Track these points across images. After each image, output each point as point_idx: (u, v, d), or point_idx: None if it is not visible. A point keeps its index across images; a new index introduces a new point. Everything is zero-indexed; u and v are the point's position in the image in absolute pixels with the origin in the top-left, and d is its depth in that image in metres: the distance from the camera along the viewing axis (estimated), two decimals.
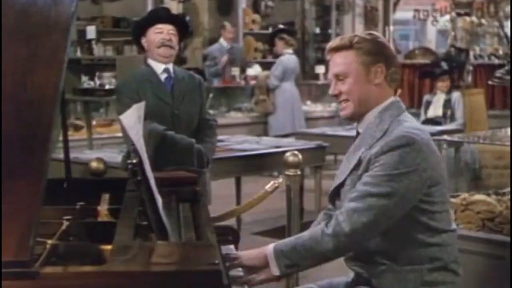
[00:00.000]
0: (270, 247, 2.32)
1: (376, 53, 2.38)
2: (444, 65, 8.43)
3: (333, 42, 2.44)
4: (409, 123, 2.36)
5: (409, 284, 2.32)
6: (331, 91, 2.43)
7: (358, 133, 2.45)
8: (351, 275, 2.49)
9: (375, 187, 2.24)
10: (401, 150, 2.25)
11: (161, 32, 4.05)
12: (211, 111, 4.52)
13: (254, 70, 10.17)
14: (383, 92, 2.40)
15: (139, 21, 4.24)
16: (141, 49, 4.31)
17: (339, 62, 2.40)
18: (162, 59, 4.08)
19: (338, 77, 2.40)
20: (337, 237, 2.25)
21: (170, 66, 4.13)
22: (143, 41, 4.11)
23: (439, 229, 2.35)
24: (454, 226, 2.46)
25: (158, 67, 4.10)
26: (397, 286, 2.32)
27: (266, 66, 10.29)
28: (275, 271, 2.29)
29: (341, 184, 2.42)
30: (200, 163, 4.04)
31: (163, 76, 4.11)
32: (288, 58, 9.25)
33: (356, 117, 2.44)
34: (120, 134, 7.22)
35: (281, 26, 10.90)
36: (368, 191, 2.25)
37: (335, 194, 2.46)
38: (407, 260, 2.32)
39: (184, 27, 4.21)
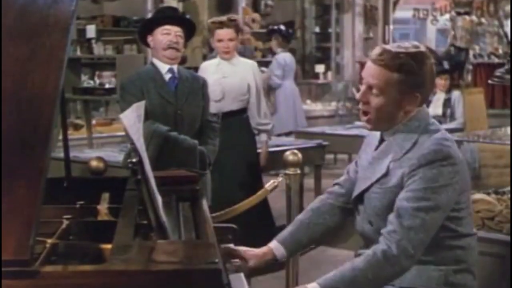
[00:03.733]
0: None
1: (419, 84, 2.32)
2: (446, 64, 8.43)
3: (383, 54, 2.31)
4: (439, 134, 2.34)
5: (432, 282, 2.33)
6: (359, 96, 2.36)
7: (382, 139, 2.42)
8: None
9: (423, 202, 2.24)
10: (438, 164, 2.26)
11: (169, 34, 4.03)
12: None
13: None
14: (410, 113, 2.36)
15: (148, 20, 4.20)
16: (146, 46, 4.30)
17: (379, 77, 2.31)
18: (167, 60, 4.08)
19: (371, 89, 2.33)
20: (402, 258, 2.22)
21: (175, 67, 4.13)
22: (149, 39, 4.10)
23: (464, 233, 2.37)
24: (474, 230, 2.48)
25: (163, 67, 4.10)
26: (420, 281, 2.32)
27: (265, 65, 10.28)
28: None
29: (365, 190, 2.41)
30: (203, 164, 4.04)
31: (167, 76, 4.11)
32: (284, 56, 9.26)
33: (376, 130, 2.43)
34: (120, 133, 7.25)
35: (281, 27, 10.90)
36: (417, 207, 2.24)
37: (359, 199, 2.45)
38: (432, 262, 2.33)
39: (191, 29, 4.21)
